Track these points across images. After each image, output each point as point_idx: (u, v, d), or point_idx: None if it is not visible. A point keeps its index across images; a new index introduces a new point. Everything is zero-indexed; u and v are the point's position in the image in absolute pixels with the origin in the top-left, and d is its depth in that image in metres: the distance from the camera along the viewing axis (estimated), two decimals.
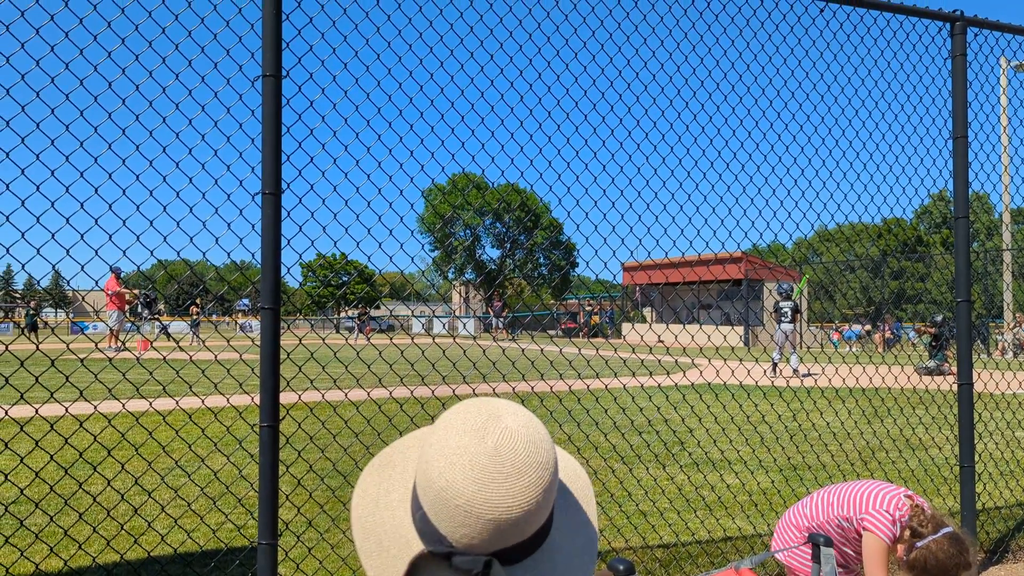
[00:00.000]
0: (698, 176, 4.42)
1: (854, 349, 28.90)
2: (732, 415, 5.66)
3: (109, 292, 18.21)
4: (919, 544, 2.87)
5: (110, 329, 18.67)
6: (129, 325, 19.82)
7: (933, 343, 17.45)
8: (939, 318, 17.57)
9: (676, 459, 6.72)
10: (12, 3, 2.90)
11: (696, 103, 4.37)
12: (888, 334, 30.33)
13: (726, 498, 5.52)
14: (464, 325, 41.82)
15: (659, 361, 5.62)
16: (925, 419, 8.21)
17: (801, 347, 15.93)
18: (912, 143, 4.88)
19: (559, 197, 4.15)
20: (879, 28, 4.59)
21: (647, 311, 41.94)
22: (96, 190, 3.22)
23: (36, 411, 3.23)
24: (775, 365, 14.87)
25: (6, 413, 3.26)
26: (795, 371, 14.49)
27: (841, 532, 3.19)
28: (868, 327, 33.40)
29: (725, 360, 4.33)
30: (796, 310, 15.43)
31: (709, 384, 5.09)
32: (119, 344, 17.68)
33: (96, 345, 3.28)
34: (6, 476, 3.37)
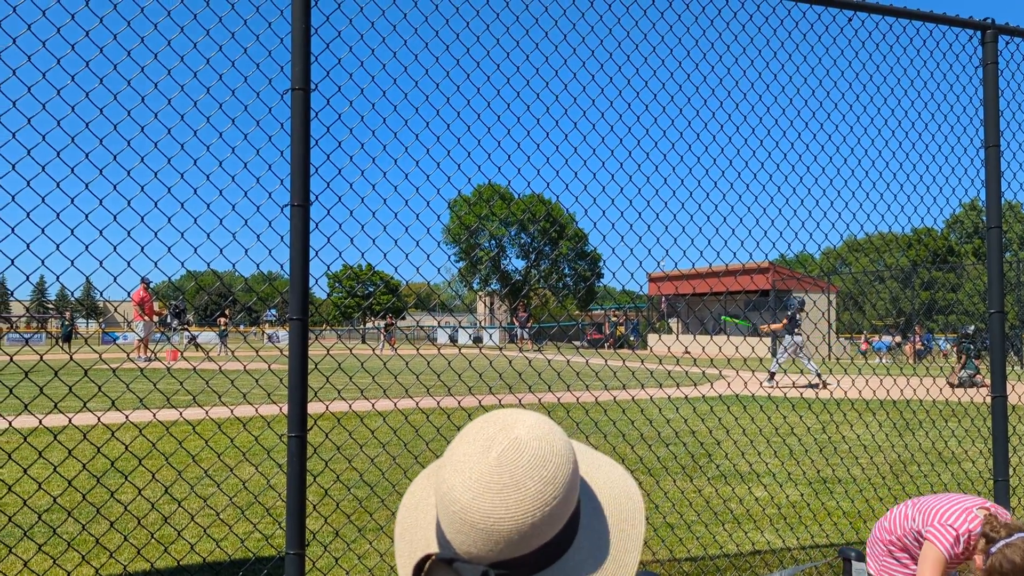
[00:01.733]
0: (725, 186, 4.39)
1: (884, 360, 28.52)
2: (760, 427, 5.60)
3: (136, 302, 18.44)
4: (993, 549, 2.84)
5: (139, 339, 18.87)
6: (158, 335, 20.04)
7: (959, 354, 17.21)
8: (970, 329, 17.31)
9: (703, 471, 6.65)
10: (49, 21, 2.96)
11: (723, 113, 4.35)
12: (919, 345, 29.89)
13: (754, 511, 5.46)
14: (490, 336, 41.86)
15: (686, 372, 5.56)
16: (958, 432, 8.07)
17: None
18: (943, 152, 4.81)
19: (585, 208, 4.14)
20: (908, 37, 4.55)
21: (672, 322, 41.69)
22: (129, 203, 3.27)
23: (69, 420, 3.27)
24: (772, 375, 14.68)
25: (40, 423, 3.32)
26: (818, 375, 13.98)
27: (916, 545, 3.14)
28: (898, 338, 32.95)
29: (753, 372, 4.30)
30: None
31: (737, 396, 5.04)
32: (149, 354, 17.84)
33: (128, 355, 3.33)
34: (40, 484, 3.42)
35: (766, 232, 4.50)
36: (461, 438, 1.00)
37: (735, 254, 4.47)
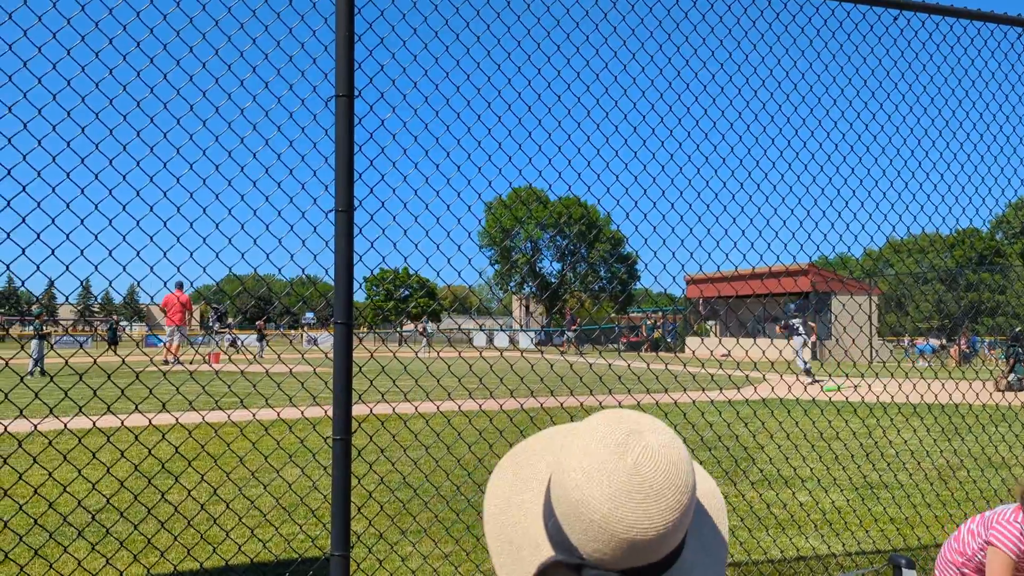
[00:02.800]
0: (768, 188, 4.35)
1: (929, 364, 27.95)
2: (805, 432, 5.52)
3: (169, 305, 18.67)
4: None
5: (168, 342, 19.07)
6: (200, 339, 20.35)
7: (1008, 357, 16.92)
8: (1019, 331, 16.93)
9: (746, 475, 6.58)
10: (99, 29, 3.03)
11: (765, 115, 4.31)
12: (964, 348, 29.24)
13: (799, 516, 5.38)
14: (532, 339, 41.83)
15: (729, 376, 5.51)
16: (1008, 437, 7.88)
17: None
18: (992, 151, 4.72)
19: (627, 212, 4.13)
20: (955, 35, 4.47)
21: (711, 324, 41.31)
22: (179, 209, 3.34)
23: (122, 423, 3.35)
24: (808, 370, 16.90)
25: (94, 424, 3.40)
26: (807, 371, 16.62)
27: (983, 557, 3.05)
28: (943, 341, 32.27)
29: (797, 376, 4.24)
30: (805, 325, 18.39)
31: (781, 400, 4.99)
32: (173, 357, 17.99)
33: (169, 358, 3.39)
34: (93, 485, 3.50)
35: (809, 234, 4.45)
36: (586, 439, 0.98)
37: (777, 256, 4.40)
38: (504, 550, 1.05)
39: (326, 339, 38.65)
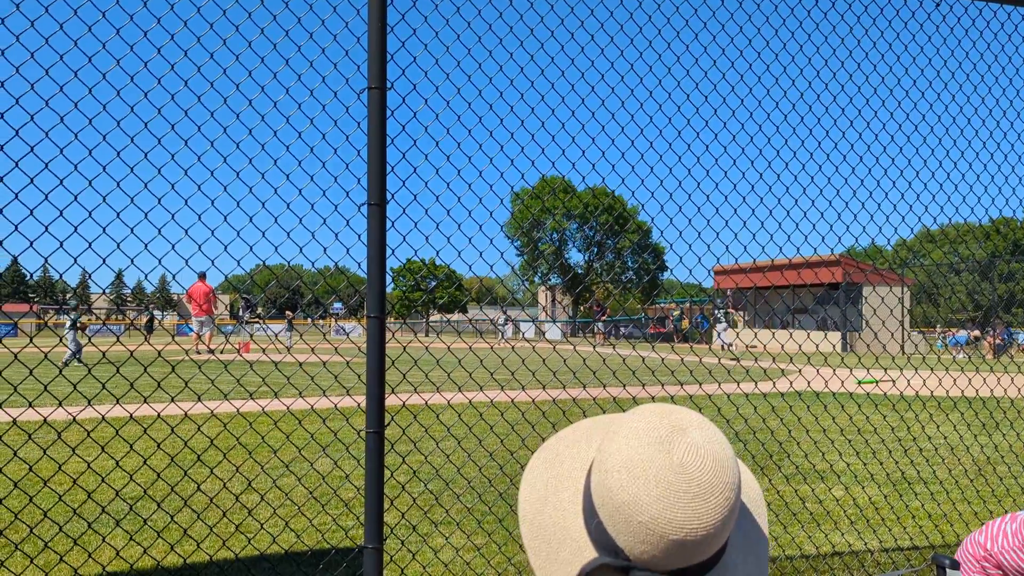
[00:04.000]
0: (788, 179, 4.27)
1: (962, 355, 27.50)
2: (840, 425, 5.44)
3: (194, 295, 18.82)
4: None
5: (196, 333, 19.27)
6: (230, 328, 20.56)
7: None
8: None
9: (780, 468, 6.51)
10: (133, 22, 3.04)
11: (787, 103, 4.24)
12: (998, 340, 28.74)
13: (833, 511, 5.32)
14: (561, 330, 41.88)
15: (765, 371, 5.43)
16: None
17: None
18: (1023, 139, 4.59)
19: (657, 198, 4.07)
20: (999, 22, 4.35)
21: (738, 315, 41.00)
22: (212, 202, 3.35)
23: (158, 415, 3.38)
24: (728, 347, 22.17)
25: (131, 416, 3.43)
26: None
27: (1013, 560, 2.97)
28: (976, 332, 31.73)
29: (835, 369, 4.18)
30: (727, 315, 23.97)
31: (818, 395, 4.90)
32: (206, 347, 18.17)
33: (200, 347, 3.40)
34: (131, 476, 3.54)
35: (831, 226, 4.38)
36: (628, 437, 0.96)
37: (816, 248, 4.33)
38: (542, 551, 1.03)
39: (354, 329, 38.93)
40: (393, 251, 3.29)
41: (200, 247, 3.28)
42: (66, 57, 2.90)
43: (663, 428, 0.95)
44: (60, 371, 2.98)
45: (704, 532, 0.90)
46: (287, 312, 31.44)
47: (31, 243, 2.97)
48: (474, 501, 5.12)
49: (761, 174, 4.29)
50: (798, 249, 4.46)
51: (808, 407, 5.12)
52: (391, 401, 3.19)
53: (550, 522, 1.03)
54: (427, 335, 42.54)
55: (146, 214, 3.18)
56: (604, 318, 35.68)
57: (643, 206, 4.06)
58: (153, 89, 3.08)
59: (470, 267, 3.83)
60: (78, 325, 18.83)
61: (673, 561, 0.91)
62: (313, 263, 3.63)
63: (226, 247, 3.33)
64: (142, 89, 3.05)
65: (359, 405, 3.11)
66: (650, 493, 0.90)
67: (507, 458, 6.01)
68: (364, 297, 3.09)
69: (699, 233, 4.12)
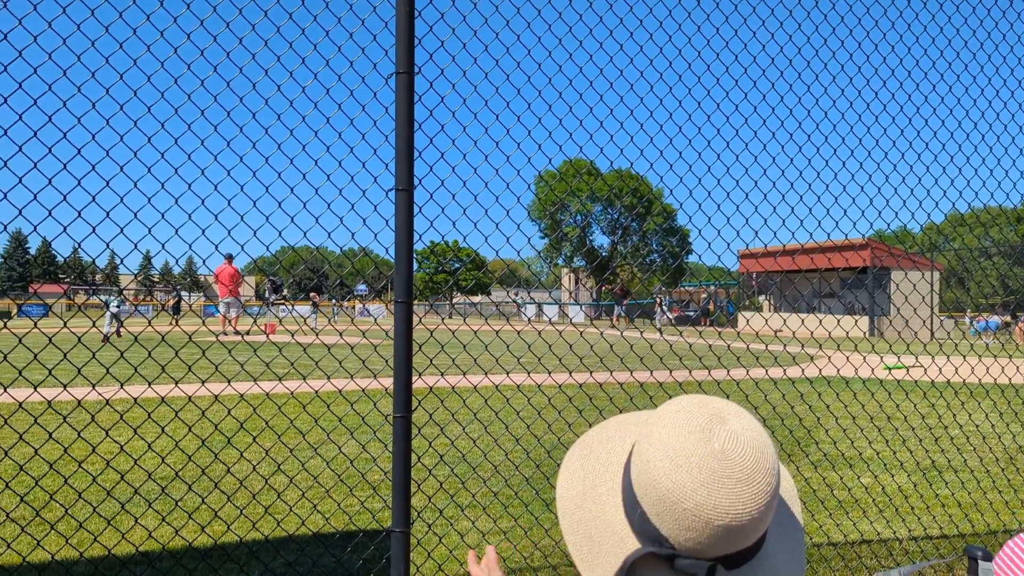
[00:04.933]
0: (819, 163, 4.22)
1: (992, 341, 27.08)
2: (871, 413, 5.39)
3: (220, 276, 18.99)
4: None
5: (222, 314, 19.46)
6: (256, 309, 20.77)
7: None
8: None
9: (807, 455, 6.47)
10: (164, 8, 3.05)
11: (819, 86, 4.17)
12: None
13: (862, 499, 5.27)
14: (586, 312, 41.92)
15: (794, 357, 5.40)
16: None
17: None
18: None
19: (686, 182, 4.03)
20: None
21: (763, 299, 40.69)
22: (242, 188, 3.37)
23: (189, 398, 3.41)
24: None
25: (163, 400, 3.47)
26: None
27: None
28: (1008, 318, 31.21)
29: (865, 357, 4.12)
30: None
31: (847, 381, 4.85)
32: (224, 330, 18.39)
33: (228, 329, 3.43)
34: (163, 459, 3.59)
35: (871, 212, 4.31)
36: (668, 427, 0.96)
37: (831, 232, 4.28)
38: (584, 545, 1.04)
39: (378, 310, 39.15)
40: (420, 236, 3.29)
41: (230, 232, 3.31)
42: (96, 44, 2.91)
43: (702, 417, 0.95)
44: (93, 356, 3.02)
45: (748, 517, 0.91)
46: (312, 294, 31.68)
47: (64, 228, 3.00)
48: (500, 486, 5.15)
49: (792, 159, 4.24)
50: (829, 235, 4.40)
51: (838, 395, 5.07)
52: (418, 385, 3.20)
53: (590, 516, 1.04)
54: (450, 317, 42.70)
55: (176, 200, 3.21)
56: (626, 301, 35.84)
57: (671, 191, 4.02)
58: (183, 75, 3.09)
59: (497, 252, 3.83)
60: (113, 312, 20.38)
61: (718, 547, 0.93)
62: (341, 248, 3.64)
63: (255, 232, 3.36)
64: (172, 75, 3.07)
65: (386, 389, 3.12)
66: (694, 480, 0.91)
67: (534, 443, 6.02)
68: (389, 280, 3.10)
69: (728, 219, 4.09)
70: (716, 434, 0.93)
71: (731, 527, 0.91)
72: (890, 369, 7.63)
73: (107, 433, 3.27)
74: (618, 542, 1.00)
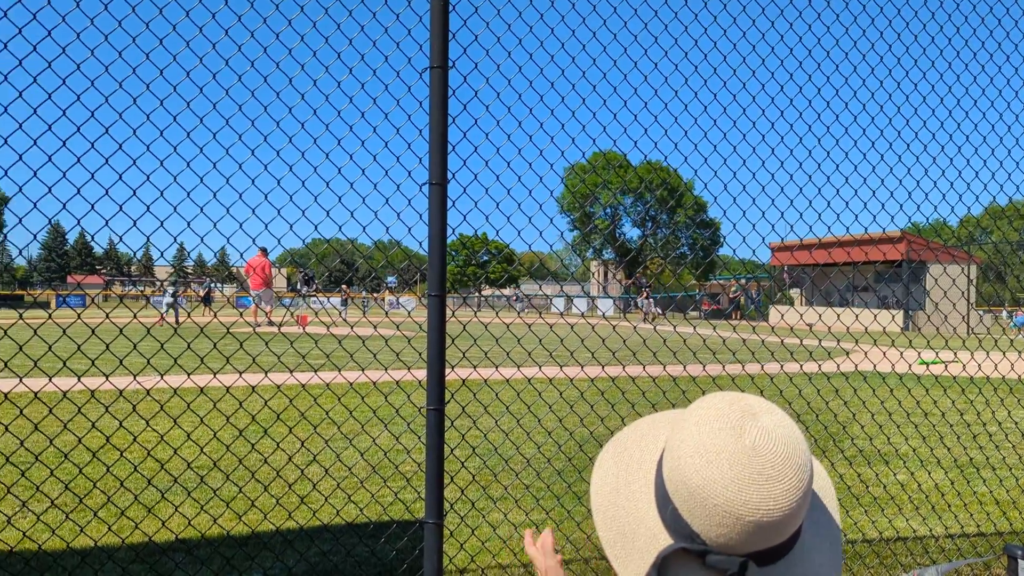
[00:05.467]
0: (857, 156, 4.15)
1: None
2: (908, 409, 5.31)
3: (252, 269, 19.20)
4: None
5: (256, 305, 19.69)
6: (288, 301, 21.09)
7: None
8: None
9: (841, 450, 6.40)
10: (203, 4, 3.09)
11: (857, 78, 4.11)
12: None
13: (897, 495, 5.21)
14: (615, 305, 41.90)
15: (830, 353, 5.33)
16: None
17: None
18: None
19: (720, 176, 4.00)
20: None
21: (794, 292, 40.23)
22: (279, 182, 3.40)
23: (227, 389, 3.47)
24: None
25: (202, 391, 3.53)
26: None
27: None
28: None
29: (902, 352, 4.07)
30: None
31: (883, 377, 4.80)
32: (258, 321, 18.67)
33: (260, 320, 3.48)
34: (202, 449, 3.65)
35: (901, 205, 4.25)
36: (699, 424, 0.97)
37: (865, 223, 4.22)
38: (617, 541, 1.05)
39: (413, 306, 39.31)
40: (454, 230, 3.31)
41: (267, 226, 3.35)
42: (136, 40, 2.96)
43: (733, 414, 0.96)
44: (157, 341, 3.08)
45: (780, 513, 0.91)
46: (343, 287, 31.97)
47: (106, 222, 3.06)
48: (532, 479, 5.16)
49: (828, 152, 4.19)
50: (867, 229, 4.35)
51: (873, 390, 5.01)
52: (450, 377, 3.22)
53: (623, 512, 1.05)
54: (479, 309, 42.75)
55: (215, 194, 3.25)
56: (647, 296, 35.89)
57: (706, 185, 3.99)
58: (221, 70, 3.12)
59: (530, 246, 3.84)
60: (171, 303, 22.87)
61: (750, 543, 0.93)
62: (375, 242, 3.67)
63: (291, 226, 3.40)
64: (210, 70, 3.11)
65: (419, 382, 3.15)
66: (724, 476, 0.91)
67: (566, 437, 6.03)
68: (418, 270, 3.12)
69: (763, 213, 4.05)
70: (747, 430, 0.94)
71: (762, 523, 0.91)
72: (927, 364, 7.53)
73: (147, 423, 3.34)
74: (651, 538, 1.01)
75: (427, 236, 3.15)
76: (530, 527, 4.35)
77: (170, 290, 24.16)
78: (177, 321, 21.57)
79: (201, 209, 3.23)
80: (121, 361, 3.23)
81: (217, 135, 3.19)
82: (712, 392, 1.05)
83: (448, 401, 3.13)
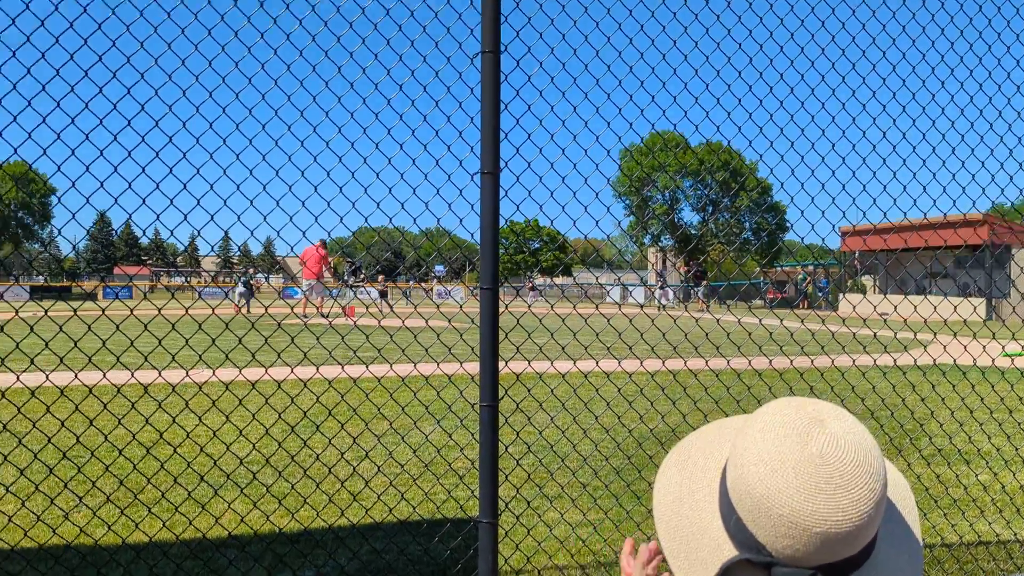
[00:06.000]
0: (935, 137, 3.89)
1: None
2: (991, 406, 5.00)
3: (307, 258, 19.32)
4: None
5: (305, 297, 19.86)
6: (336, 291, 21.38)
7: None
8: None
9: (917, 448, 6.09)
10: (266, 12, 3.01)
11: (935, 53, 3.84)
12: None
13: (979, 497, 4.92)
14: (673, 295, 41.37)
15: (905, 345, 5.06)
16: None
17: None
18: None
19: (787, 161, 3.79)
20: None
21: (867, 280, 39.08)
22: (328, 174, 3.33)
23: (279, 385, 3.41)
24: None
25: (253, 386, 3.48)
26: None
27: None
28: None
29: (985, 346, 3.81)
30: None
31: (964, 372, 4.51)
32: (306, 313, 18.89)
33: (309, 311, 3.40)
34: (254, 446, 3.62)
35: (991, 188, 3.98)
36: (764, 431, 0.93)
37: (944, 206, 3.98)
38: (680, 551, 1.02)
39: (463, 298, 39.33)
40: (507, 221, 3.20)
41: (317, 219, 3.29)
42: (185, 36, 2.90)
43: (800, 420, 0.93)
44: (225, 325, 3.04)
45: (849, 525, 0.87)
46: (380, 278, 32.12)
47: (158, 216, 3.05)
48: (590, 477, 5.02)
49: (904, 134, 3.96)
50: (945, 214, 4.09)
51: (953, 386, 4.72)
52: (504, 372, 3.10)
53: (687, 522, 1.03)
54: (534, 301, 42.68)
55: (264, 187, 3.21)
56: (703, 283, 34.87)
57: (772, 170, 3.79)
58: (269, 60, 3.06)
59: (585, 236, 3.72)
60: (243, 292, 24.17)
61: (818, 556, 0.89)
62: (423, 231, 3.57)
63: (342, 219, 3.33)
64: (259, 60, 3.05)
65: (472, 377, 3.05)
66: (789, 485, 0.88)
67: (624, 434, 5.85)
68: (468, 260, 3.01)
69: (833, 199, 3.83)
70: (813, 437, 0.90)
71: (830, 535, 0.87)
72: (1012, 357, 7.11)
73: (200, 419, 3.30)
74: (715, 548, 0.98)
75: (479, 227, 3.04)
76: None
77: (242, 280, 25.65)
78: (248, 309, 22.46)
79: (251, 203, 3.19)
80: (173, 357, 3.19)
81: (266, 126, 3.13)
82: (779, 391, 0.92)
83: (502, 397, 3.01)
